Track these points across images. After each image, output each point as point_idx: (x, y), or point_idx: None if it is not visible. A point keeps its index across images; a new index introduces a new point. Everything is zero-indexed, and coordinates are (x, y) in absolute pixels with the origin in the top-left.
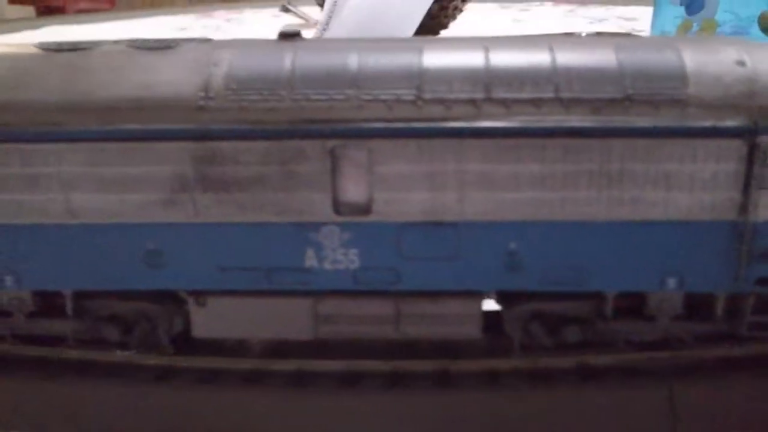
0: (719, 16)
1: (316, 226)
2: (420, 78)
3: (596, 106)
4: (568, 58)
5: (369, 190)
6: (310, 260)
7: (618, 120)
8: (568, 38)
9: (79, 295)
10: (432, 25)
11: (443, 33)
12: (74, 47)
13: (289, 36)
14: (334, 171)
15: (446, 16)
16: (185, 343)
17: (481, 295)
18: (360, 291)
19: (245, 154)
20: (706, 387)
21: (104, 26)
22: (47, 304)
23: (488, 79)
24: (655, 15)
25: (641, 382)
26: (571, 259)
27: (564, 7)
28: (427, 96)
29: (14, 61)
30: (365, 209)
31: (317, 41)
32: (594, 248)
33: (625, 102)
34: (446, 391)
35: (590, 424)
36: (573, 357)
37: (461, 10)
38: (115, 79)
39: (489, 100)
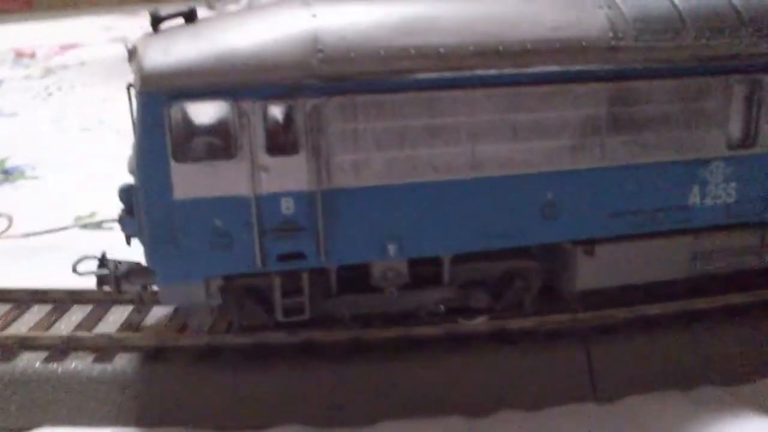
0: None
1: (706, 162)
2: None
3: None
4: None
5: (757, 123)
6: (694, 197)
7: None
8: None
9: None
10: None
11: None
12: None
13: None
14: (730, 106)
15: None
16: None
17: None
18: (731, 224)
19: (654, 94)
20: (623, 346)
21: (24, 26)
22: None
23: None
24: None
25: (559, 343)
26: None
27: None
28: None
29: (399, 6)
30: (751, 142)
31: None
32: None
33: None
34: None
35: (509, 387)
36: None
37: None
38: (519, 20)
39: None
